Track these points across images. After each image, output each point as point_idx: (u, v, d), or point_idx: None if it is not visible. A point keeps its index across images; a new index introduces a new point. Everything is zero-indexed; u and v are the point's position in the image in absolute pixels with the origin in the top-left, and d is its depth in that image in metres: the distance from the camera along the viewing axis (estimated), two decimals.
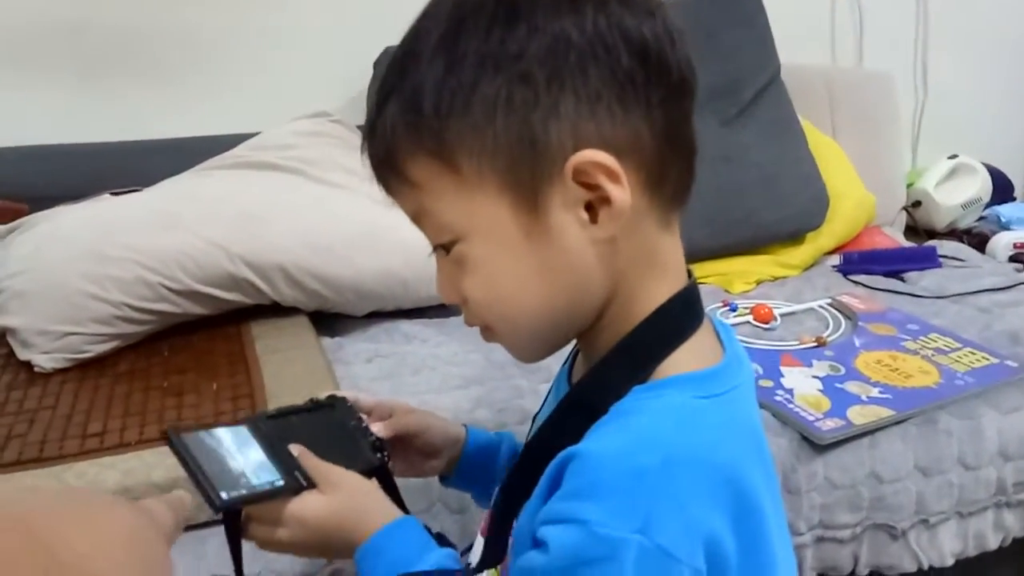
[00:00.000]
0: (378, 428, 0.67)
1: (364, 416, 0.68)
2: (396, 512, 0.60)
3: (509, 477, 0.55)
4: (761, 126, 1.73)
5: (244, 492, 0.55)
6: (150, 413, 1.02)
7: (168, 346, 1.23)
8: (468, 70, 0.48)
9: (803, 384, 1.14)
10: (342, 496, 0.58)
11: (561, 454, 0.48)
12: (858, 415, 1.08)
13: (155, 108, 1.73)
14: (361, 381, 1.24)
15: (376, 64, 1.69)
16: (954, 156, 2.08)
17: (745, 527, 0.48)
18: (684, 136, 0.53)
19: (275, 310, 1.35)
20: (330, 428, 0.65)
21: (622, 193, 0.49)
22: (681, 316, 0.54)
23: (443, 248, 0.53)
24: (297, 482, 0.58)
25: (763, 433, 0.56)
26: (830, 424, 1.06)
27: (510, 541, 0.55)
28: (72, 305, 1.16)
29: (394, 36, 1.70)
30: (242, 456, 0.57)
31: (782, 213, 1.66)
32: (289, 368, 1.17)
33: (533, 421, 0.67)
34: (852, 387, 1.14)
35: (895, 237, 1.87)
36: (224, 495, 0.54)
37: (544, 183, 0.49)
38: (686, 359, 0.52)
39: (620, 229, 0.50)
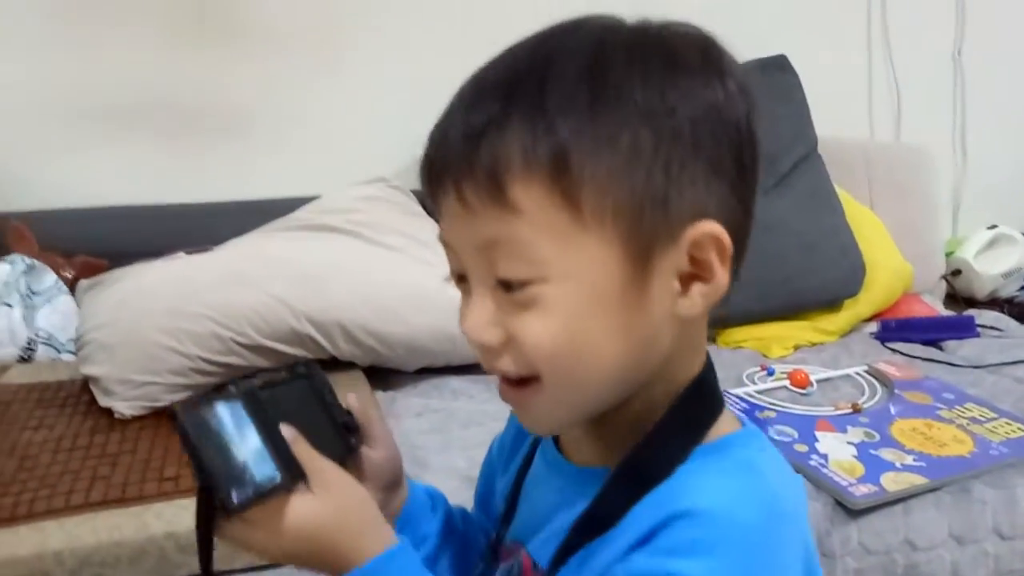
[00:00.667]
0: (352, 404, 0.62)
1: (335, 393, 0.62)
2: (390, 534, 0.55)
3: (562, 549, 0.52)
4: (799, 196, 1.79)
5: (251, 493, 0.50)
6: None
7: (244, 381, 1.31)
8: (619, 111, 0.46)
9: (838, 449, 1.19)
10: (335, 506, 0.53)
11: (660, 514, 0.46)
12: (892, 482, 1.12)
13: (224, 172, 1.85)
14: (412, 435, 1.30)
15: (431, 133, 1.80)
16: (994, 226, 2.11)
17: None
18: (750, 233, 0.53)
19: (333, 364, 1.43)
20: (308, 401, 0.60)
21: (724, 275, 0.49)
22: (716, 383, 0.56)
23: (504, 284, 0.48)
24: (293, 479, 0.52)
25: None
26: (863, 490, 1.09)
27: None
28: (151, 357, 1.26)
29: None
30: (243, 442, 0.51)
31: (819, 280, 1.71)
32: None
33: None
34: (886, 454, 1.18)
35: (934, 305, 1.91)
36: (235, 497, 0.50)
37: (659, 244, 0.47)
38: (727, 420, 0.55)
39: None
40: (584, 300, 0.48)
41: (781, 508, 0.48)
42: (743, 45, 1.79)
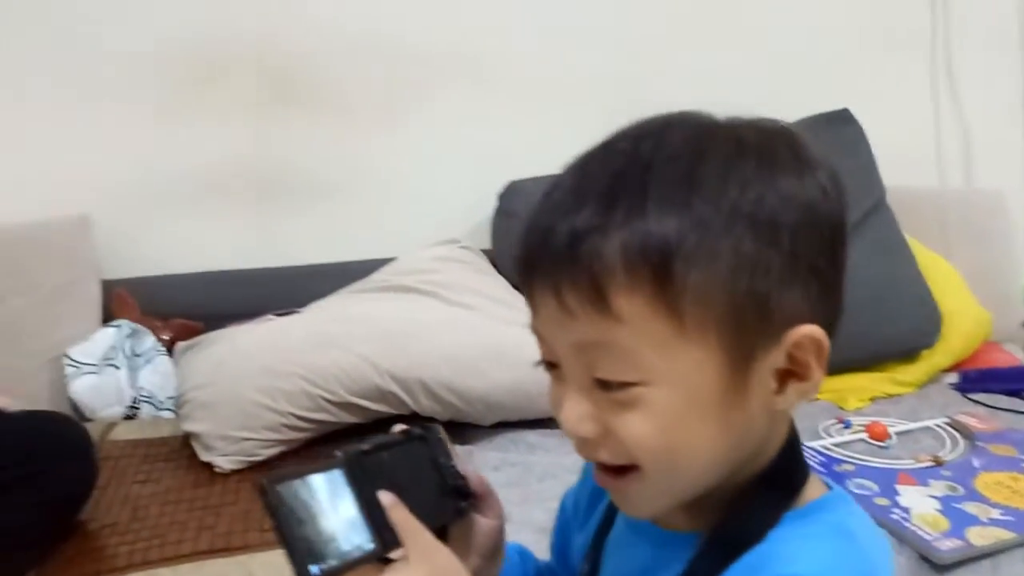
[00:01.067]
0: (468, 470, 0.61)
1: (453, 454, 0.62)
2: None
3: None
4: (869, 247, 1.79)
5: (334, 563, 0.50)
6: None
7: (324, 451, 1.38)
8: (720, 221, 0.47)
9: (920, 503, 1.18)
10: (428, 574, 0.52)
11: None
12: (978, 536, 1.11)
13: (305, 237, 1.95)
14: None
15: (501, 196, 1.88)
16: None
17: None
18: None
19: (414, 419, 1.48)
20: (419, 464, 0.59)
21: (821, 374, 0.49)
22: (801, 449, 0.57)
23: (602, 383, 0.49)
24: (386, 546, 0.52)
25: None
26: (949, 544, 1.09)
27: None
28: (247, 414, 1.34)
29: (515, 171, 1.87)
30: (334, 512, 0.51)
31: (894, 332, 1.71)
32: None
33: (596, 543, 0.64)
34: (971, 508, 1.17)
35: (1015, 354, 1.87)
36: (314, 569, 0.49)
37: (760, 349, 0.48)
38: (815, 485, 0.55)
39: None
40: (685, 403, 0.48)
41: (873, 570, 0.49)
42: (806, 100, 1.85)
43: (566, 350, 0.50)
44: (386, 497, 0.53)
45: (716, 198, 0.47)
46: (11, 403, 1.15)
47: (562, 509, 0.71)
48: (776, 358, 0.49)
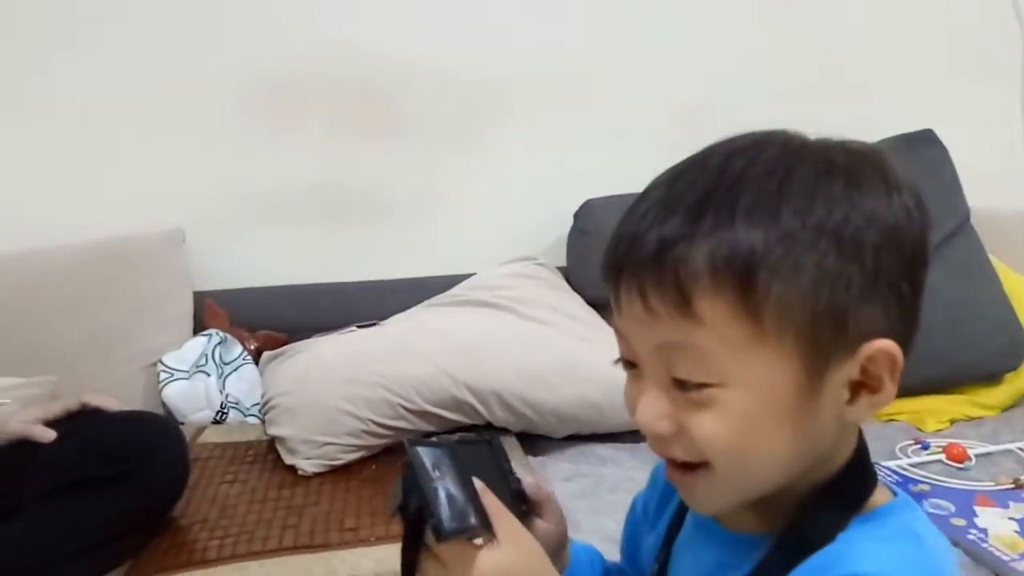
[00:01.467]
0: (527, 482, 0.66)
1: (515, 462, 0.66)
2: None
3: None
4: (951, 268, 1.76)
5: (456, 525, 0.54)
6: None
7: (402, 458, 1.42)
8: (805, 235, 0.48)
9: (998, 525, 1.16)
10: (520, 558, 0.56)
11: None
12: None
13: (386, 252, 2.01)
14: (563, 498, 1.33)
15: (576, 215, 1.91)
16: None
17: None
18: None
19: (488, 430, 1.52)
20: (489, 465, 0.64)
21: (893, 389, 0.51)
22: (869, 457, 0.58)
23: (677, 382, 0.52)
24: (484, 527, 0.56)
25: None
26: None
27: None
28: (330, 421, 1.39)
29: (591, 189, 1.90)
30: (446, 484, 0.55)
31: (976, 354, 1.67)
32: None
33: (666, 545, 0.66)
34: None
35: None
36: (447, 523, 0.53)
37: (836, 359, 0.50)
38: (881, 492, 0.56)
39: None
40: (759, 406, 0.50)
41: (939, 572, 0.51)
42: (891, 120, 1.83)
43: (647, 349, 0.53)
44: (479, 484, 0.57)
45: (803, 214, 0.49)
46: (114, 403, 1.23)
47: (632, 511, 0.73)
48: (850, 370, 0.50)
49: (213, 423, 1.62)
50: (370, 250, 2.00)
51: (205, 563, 1.10)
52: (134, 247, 1.81)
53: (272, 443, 1.46)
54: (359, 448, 1.41)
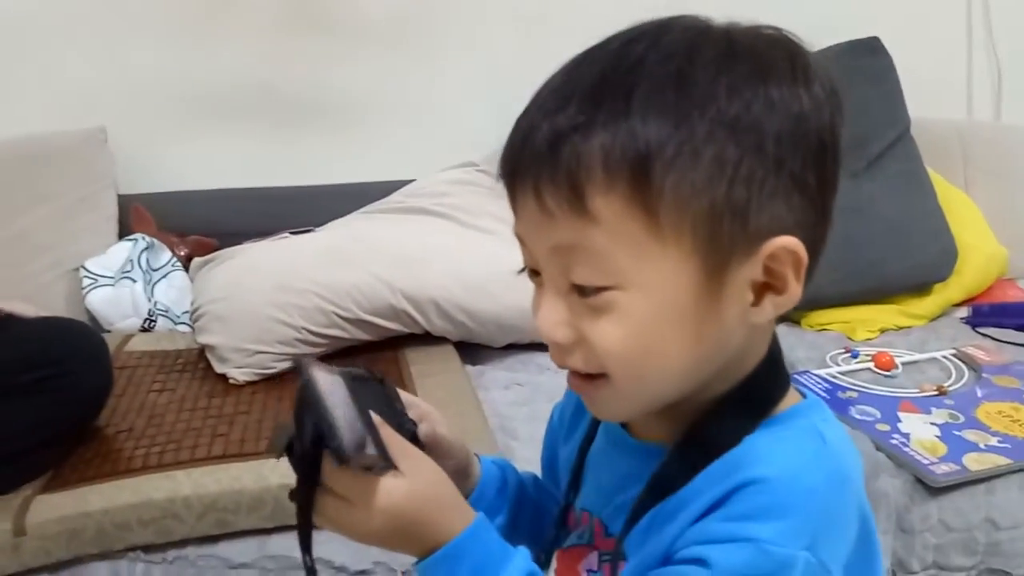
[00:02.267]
0: (420, 427, 0.61)
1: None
2: (471, 511, 0.55)
3: (630, 515, 0.54)
4: (889, 179, 1.77)
5: (361, 450, 0.50)
6: None
7: (337, 367, 1.40)
8: (704, 123, 0.46)
9: (920, 430, 1.20)
10: (424, 486, 0.54)
11: (730, 482, 0.48)
12: (974, 462, 1.12)
13: (324, 157, 1.95)
14: (500, 406, 1.37)
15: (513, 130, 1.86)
16: None
17: (862, 554, 0.51)
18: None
19: (426, 339, 1.51)
20: (383, 403, 0.59)
21: (798, 288, 0.49)
22: (782, 362, 0.57)
23: (578, 288, 0.50)
24: (388, 459, 0.52)
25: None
26: (944, 468, 1.11)
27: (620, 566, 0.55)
28: (262, 328, 1.36)
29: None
30: (344, 411, 0.51)
31: (908, 264, 1.70)
32: (439, 391, 1.32)
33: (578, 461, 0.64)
34: (970, 435, 1.19)
35: None
36: (349, 445, 0.49)
37: (736, 258, 0.48)
38: (792, 396, 0.56)
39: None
40: (657, 309, 0.48)
41: (842, 473, 0.50)
42: (836, 28, 1.80)
43: (545, 253, 0.50)
44: (376, 418, 0.54)
45: (702, 102, 0.46)
46: (31, 309, 1.18)
47: (551, 421, 0.71)
48: (753, 269, 0.48)
49: (141, 331, 1.57)
50: (306, 154, 1.94)
51: (131, 472, 1.08)
52: (52, 146, 1.72)
53: (203, 352, 1.42)
54: (293, 356, 1.38)
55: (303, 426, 0.51)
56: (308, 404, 0.51)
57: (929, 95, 1.93)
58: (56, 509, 1.02)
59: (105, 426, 1.19)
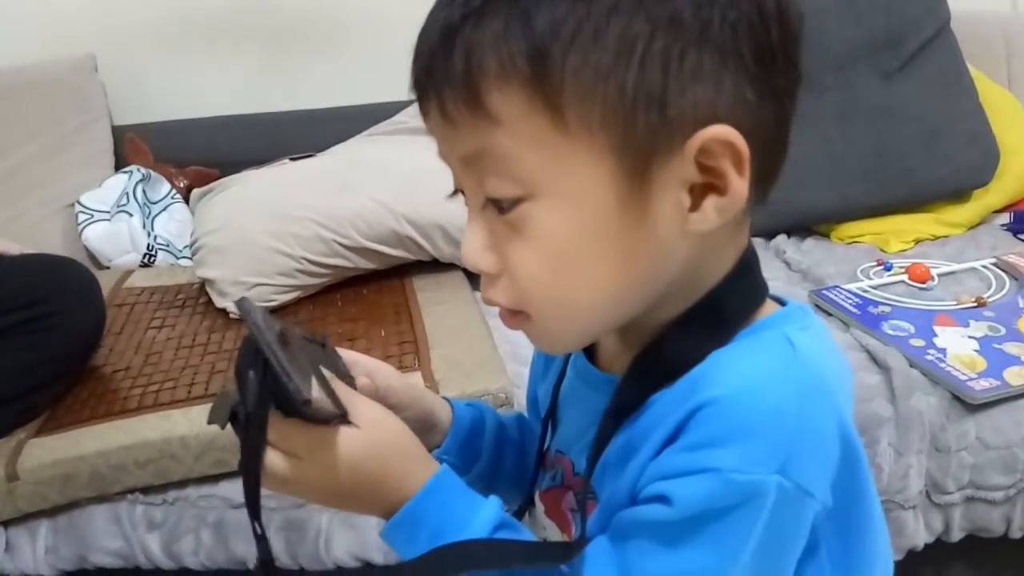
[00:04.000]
0: (361, 384, 0.56)
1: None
2: (433, 462, 0.51)
3: (593, 448, 0.50)
4: (926, 79, 1.65)
5: (312, 401, 0.46)
6: None
7: (341, 297, 1.35)
8: None
9: (957, 344, 1.12)
10: (384, 434, 0.50)
11: (687, 406, 0.43)
12: (1016, 376, 1.05)
13: (324, 79, 1.86)
14: (511, 333, 1.28)
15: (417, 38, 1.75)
16: None
17: (848, 473, 0.45)
18: (789, 135, 0.47)
19: (435, 266, 1.44)
20: (329, 365, 0.54)
21: (742, 185, 0.43)
22: (757, 272, 0.50)
23: (495, 204, 0.45)
24: (343, 411, 0.49)
25: (852, 377, 0.52)
26: (984, 384, 1.04)
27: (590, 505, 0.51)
28: (260, 260, 1.30)
29: None
30: (292, 361, 0.47)
31: (945, 170, 1.59)
32: (448, 319, 1.26)
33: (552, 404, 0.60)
34: (1012, 348, 1.11)
35: None
36: (299, 392, 0.45)
37: (659, 154, 0.42)
38: (770, 306, 0.50)
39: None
40: (572, 220, 0.43)
41: (817, 384, 0.44)
42: None
43: (459, 169, 0.46)
44: (326, 372, 0.50)
45: None
46: (15, 247, 1.13)
47: (532, 361, 0.66)
48: (684, 168, 0.42)
49: (141, 266, 1.52)
50: (305, 77, 1.85)
51: (126, 412, 1.04)
52: (38, 77, 1.65)
53: (203, 286, 1.37)
54: (294, 288, 1.33)
55: (245, 381, 0.47)
56: (255, 350, 0.46)
57: None
58: (50, 452, 0.99)
59: (102, 365, 1.16)
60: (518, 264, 0.45)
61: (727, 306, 0.48)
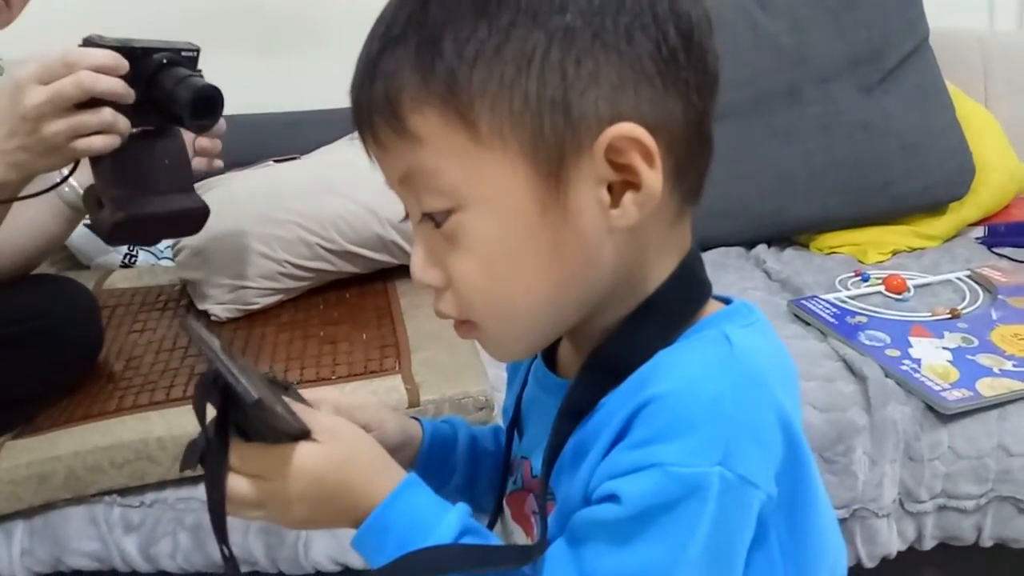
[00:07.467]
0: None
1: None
2: (400, 471, 0.52)
3: (548, 450, 0.51)
4: (904, 93, 1.68)
5: (270, 410, 0.46)
6: (308, 358, 1.15)
7: (324, 300, 1.36)
8: (503, 15, 0.43)
9: (932, 355, 1.14)
10: (347, 445, 0.51)
11: (631, 405, 0.45)
12: (988, 387, 1.07)
13: (310, 81, 1.85)
14: None
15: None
16: None
17: (792, 464, 0.47)
18: (709, 132, 0.49)
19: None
20: (273, 387, 0.53)
21: (655, 178, 0.45)
22: (700, 273, 0.53)
23: (432, 219, 0.47)
24: (301, 422, 0.49)
25: (797, 375, 0.53)
26: (957, 395, 1.05)
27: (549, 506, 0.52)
28: (243, 262, 1.30)
29: None
30: (248, 379, 0.47)
31: (923, 183, 1.62)
32: (430, 323, 1.26)
33: (512, 411, 0.63)
34: (984, 359, 1.13)
35: None
36: (254, 400, 0.45)
37: (570, 156, 0.45)
38: (713, 305, 0.53)
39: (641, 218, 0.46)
40: (499, 226, 0.46)
41: (753, 376, 0.46)
42: None
43: (398, 190, 0.49)
44: (278, 392, 0.52)
45: None
46: None
47: (508, 369, 0.68)
48: (597, 167, 0.45)
49: (122, 267, 1.51)
50: (291, 78, 1.84)
51: (104, 415, 1.03)
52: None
53: (185, 288, 1.37)
54: (275, 292, 1.33)
55: (203, 408, 0.48)
56: (212, 379, 0.48)
57: (949, 3, 1.82)
58: (25, 454, 0.98)
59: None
60: (458, 274, 0.48)
61: (670, 306, 0.50)
